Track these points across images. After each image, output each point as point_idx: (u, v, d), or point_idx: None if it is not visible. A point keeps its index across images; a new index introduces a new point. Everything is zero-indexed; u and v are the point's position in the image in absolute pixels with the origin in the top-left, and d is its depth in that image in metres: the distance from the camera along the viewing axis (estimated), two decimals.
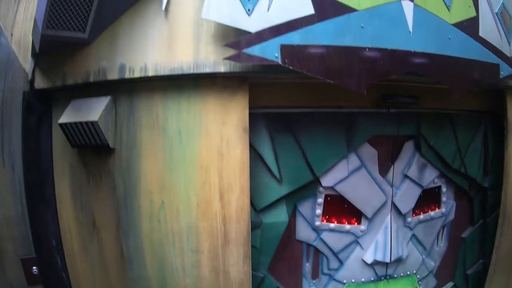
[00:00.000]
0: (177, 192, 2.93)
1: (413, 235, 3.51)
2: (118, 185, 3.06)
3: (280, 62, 2.74)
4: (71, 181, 3.29)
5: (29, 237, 3.44)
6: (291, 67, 2.76)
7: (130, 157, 3.02)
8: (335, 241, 3.28)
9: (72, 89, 3.23)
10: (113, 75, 3.01)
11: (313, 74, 2.81)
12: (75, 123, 3.03)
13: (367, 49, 2.88)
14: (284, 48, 2.76)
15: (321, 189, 3.22)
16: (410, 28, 3.01)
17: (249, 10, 2.79)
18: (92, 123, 2.97)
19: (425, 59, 3.03)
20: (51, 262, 3.43)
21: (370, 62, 2.88)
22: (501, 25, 3.45)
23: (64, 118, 3.09)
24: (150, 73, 2.92)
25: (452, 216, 3.73)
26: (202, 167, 2.90)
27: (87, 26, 3.02)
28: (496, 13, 3.44)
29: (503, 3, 3.49)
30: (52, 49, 3.16)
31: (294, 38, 2.78)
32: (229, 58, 2.75)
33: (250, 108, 2.93)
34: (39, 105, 3.40)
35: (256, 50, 2.74)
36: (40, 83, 3.34)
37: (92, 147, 3.10)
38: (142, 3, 3.05)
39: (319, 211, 3.23)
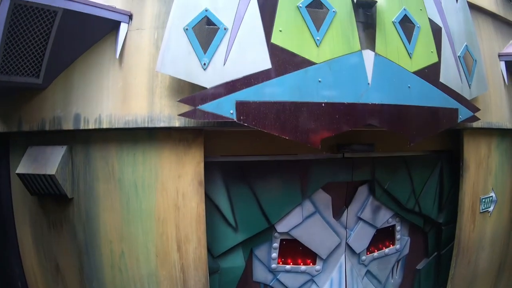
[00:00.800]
0: (136, 242, 3.00)
1: (368, 271, 3.64)
2: (78, 233, 3.12)
3: (235, 119, 2.74)
4: (32, 227, 3.34)
5: None
6: (246, 124, 2.76)
7: (89, 207, 3.06)
8: (291, 281, 3.41)
9: (29, 134, 3.20)
10: (68, 125, 2.99)
11: (268, 131, 2.81)
12: (33, 175, 3.03)
13: (323, 105, 2.87)
14: (240, 105, 2.75)
15: (276, 234, 3.31)
16: (369, 80, 2.97)
17: (204, 64, 2.74)
18: (50, 176, 2.98)
19: (382, 112, 3.01)
20: None
21: (326, 117, 2.87)
22: (463, 68, 3.41)
23: (22, 169, 3.08)
24: (105, 125, 2.91)
25: (406, 251, 3.85)
26: (159, 219, 2.96)
27: (41, 71, 2.96)
28: (459, 56, 3.39)
29: (466, 46, 3.44)
30: (6, 93, 3.11)
31: (250, 94, 2.77)
32: (183, 115, 2.74)
33: (206, 156, 2.95)
34: None
35: (211, 107, 2.73)
36: None
37: (51, 195, 3.13)
38: (96, 48, 2.98)
39: (274, 254, 3.33)
